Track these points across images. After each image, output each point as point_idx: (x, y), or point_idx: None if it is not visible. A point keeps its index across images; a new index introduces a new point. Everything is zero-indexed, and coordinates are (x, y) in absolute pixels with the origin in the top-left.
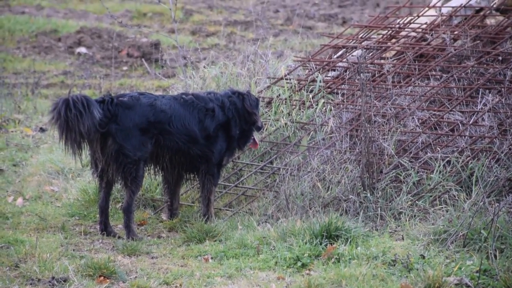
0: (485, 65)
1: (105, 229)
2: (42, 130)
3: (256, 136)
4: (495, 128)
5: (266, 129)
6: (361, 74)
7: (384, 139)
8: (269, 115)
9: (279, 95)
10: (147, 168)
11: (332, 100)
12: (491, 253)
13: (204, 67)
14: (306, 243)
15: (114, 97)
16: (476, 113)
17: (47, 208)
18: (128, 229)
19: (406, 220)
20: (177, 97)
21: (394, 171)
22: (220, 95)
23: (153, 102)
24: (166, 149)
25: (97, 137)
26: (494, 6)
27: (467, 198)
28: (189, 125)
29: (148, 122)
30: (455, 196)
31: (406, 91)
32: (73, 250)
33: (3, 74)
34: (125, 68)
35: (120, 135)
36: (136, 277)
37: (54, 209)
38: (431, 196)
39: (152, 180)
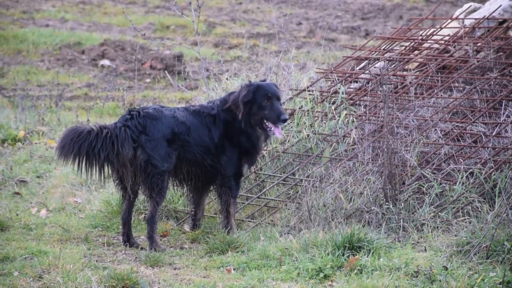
0: (508, 77)
1: (128, 240)
2: None
3: (278, 128)
4: None
5: (288, 141)
6: (384, 86)
7: (406, 150)
8: (292, 127)
9: (302, 106)
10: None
11: (354, 111)
12: None
13: (227, 79)
14: (328, 254)
15: (139, 109)
16: (499, 124)
17: (70, 219)
18: (151, 240)
19: (428, 232)
20: (188, 108)
21: (416, 182)
22: (219, 100)
23: (174, 114)
24: (185, 161)
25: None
26: None
27: (490, 210)
28: (202, 135)
29: (173, 133)
30: (478, 208)
31: (429, 102)
32: (96, 261)
33: (27, 87)
34: (148, 80)
35: (149, 145)
36: (158, 287)
37: (78, 220)
38: (454, 207)
39: (175, 191)
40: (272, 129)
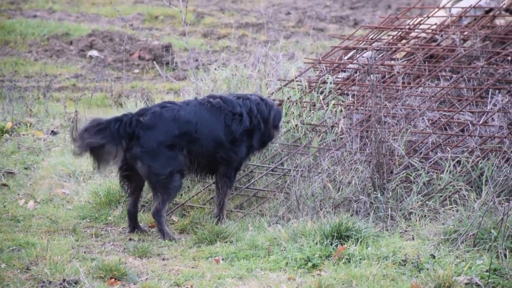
0: (494, 66)
1: (134, 230)
2: (53, 133)
3: None
4: (504, 128)
5: None
6: (371, 75)
7: (394, 139)
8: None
9: (290, 97)
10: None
11: (342, 101)
12: (501, 252)
13: (215, 69)
14: (316, 243)
15: (133, 115)
16: (486, 113)
17: (58, 210)
18: (162, 232)
19: (416, 220)
20: (204, 102)
21: (404, 171)
22: (250, 101)
23: (176, 115)
24: (195, 156)
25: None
26: (504, 6)
27: (477, 198)
28: (215, 130)
29: (173, 137)
30: (465, 196)
31: (416, 92)
32: (84, 252)
33: (14, 78)
34: (136, 71)
35: (146, 156)
36: (147, 278)
37: (65, 212)
38: (441, 196)
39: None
40: None
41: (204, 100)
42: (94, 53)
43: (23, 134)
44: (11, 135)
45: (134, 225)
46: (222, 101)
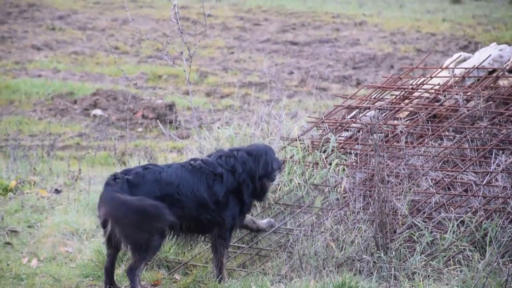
0: (498, 126)
1: None
2: (57, 191)
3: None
4: (508, 189)
5: (280, 189)
6: (375, 135)
7: (397, 199)
8: (283, 176)
9: (293, 155)
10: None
11: (345, 160)
12: None
13: (218, 128)
14: None
15: (119, 174)
16: (490, 173)
17: (61, 269)
18: None
19: (420, 281)
20: (185, 164)
21: (407, 231)
22: (235, 158)
23: (158, 176)
24: (177, 217)
25: None
26: (507, 67)
27: (481, 259)
28: (197, 191)
29: (154, 198)
30: (469, 257)
31: (419, 151)
32: None
33: (19, 137)
34: (140, 129)
35: None
36: None
37: (69, 270)
38: (445, 256)
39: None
40: None
41: (185, 163)
42: (98, 112)
43: (27, 193)
44: (15, 193)
45: (110, 283)
46: (203, 163)
